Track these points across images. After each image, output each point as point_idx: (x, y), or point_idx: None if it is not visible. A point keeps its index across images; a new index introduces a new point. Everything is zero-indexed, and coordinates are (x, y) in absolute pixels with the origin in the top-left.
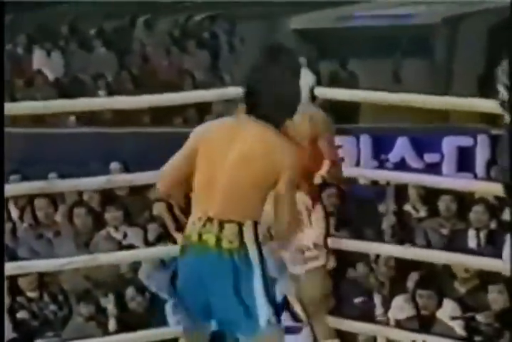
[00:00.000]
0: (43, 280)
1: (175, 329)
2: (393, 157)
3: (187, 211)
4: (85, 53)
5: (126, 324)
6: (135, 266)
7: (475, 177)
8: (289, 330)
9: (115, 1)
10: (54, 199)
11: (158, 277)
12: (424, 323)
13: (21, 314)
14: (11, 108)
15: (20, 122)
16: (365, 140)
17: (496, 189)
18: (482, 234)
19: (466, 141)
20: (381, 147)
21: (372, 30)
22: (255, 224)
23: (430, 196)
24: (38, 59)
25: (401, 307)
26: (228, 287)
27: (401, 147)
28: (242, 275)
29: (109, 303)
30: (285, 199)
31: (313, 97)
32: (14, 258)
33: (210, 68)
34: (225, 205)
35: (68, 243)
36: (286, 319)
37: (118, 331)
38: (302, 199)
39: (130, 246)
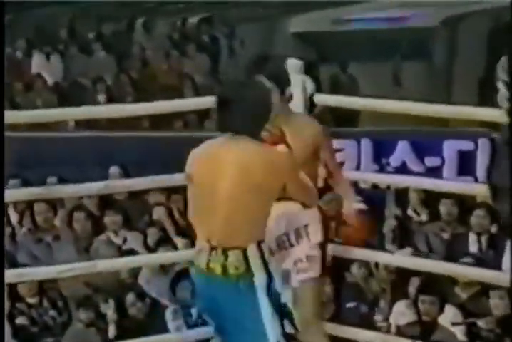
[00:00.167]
0: (42, 286)
1: (175, 335)
2: (394, 160)
3: (186, 215)
4: (84, 56)
5: (126, 330)
6: (135, 271)
7: (476, 180)
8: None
9: (110, 2)
10: (53, 204)
11: (158, 283)
12: (426, 328)
13: (21, 320)
14: (10, 116)
15: (19, 127)
16: (366, 144)
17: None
18: (483, 239)
19: (466, 145)
20: (381, 150)
21: (372, 34)
22: (259, 244)
23: (431, 200)
24: (38, 63)
25: (402, 312)
26: (237, 312)
27: (402, 151)
28: (249, 300)
29: (109, 309)
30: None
31: (313, 104)
32: (13, 262)
33: (210, 71)
34: (227, 232)
35: (67, 247)
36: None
37: (117, 337)
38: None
39: (130, 251)
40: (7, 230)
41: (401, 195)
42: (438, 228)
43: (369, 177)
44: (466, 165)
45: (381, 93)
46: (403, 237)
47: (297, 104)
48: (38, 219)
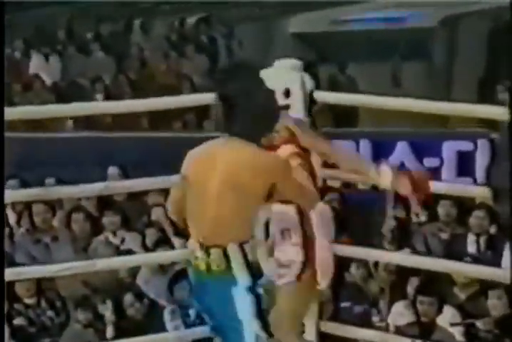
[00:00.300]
0: (40, 286)
1: (173, 334)
2: (393, 161)
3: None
4: (82, 57)
5: (124, 331)
6: (133, 271)
7: (475, 181)
8: None
9: (108, 3)
10: (52, 205)
11: (156, 283)
12: (424, 329)
13: (18, 321)
14: (9, 113)
15: (17, 127)
16: (365, 145)
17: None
18: (482, 240)
19: (466, 145)
20: (380, 151)
21: (370, 34)
22: (241, 246)
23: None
24: (36, 63)
25: (401, 313)
26: (222, 307)
27: (401, 152)
28: (230, 295)
29: (107, 310)
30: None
31: (312, 102)
32: (11, 263)
33: (209, 72)
34: (212, 230)
35: (65, 248)
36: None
37: (115, 338)
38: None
39: (128, 251)
40: (5, 231)
41: (400, 196)
42: (437, 229)
43: None
44: (465, 166)
45: (380, 94)
46: (402, 238)
47: (297, 101)
48: (37, 219)
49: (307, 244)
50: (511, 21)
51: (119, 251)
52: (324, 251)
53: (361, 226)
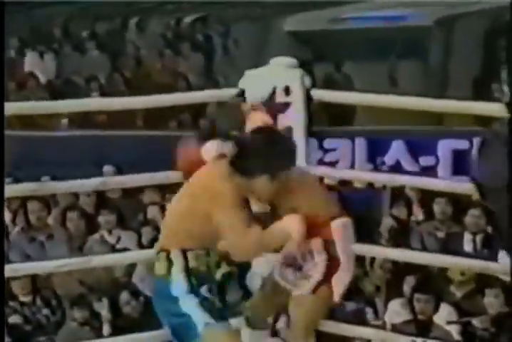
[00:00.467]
0: (36, 284)
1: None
2: (389, 160)
3: None
4: (78, 55)
5: (120, 329)
6: (129, 269)
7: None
8: None
9: (104, 2)
10: (47, 203)
11: (152, 281)
12: (421, 327)
13: (14, 319)
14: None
15: (12, 125)
16: (360, 143)
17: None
18: (478, 238)
19: (461, 144)
20: (376, 150)
21: (367, 33)
22: (184, 253)
23: (425, 199)
24: (31, 61)
25: (397, 311)
26: (164, 311)
27: (397, 150)
28: (170, 297)
29: (103, 308)
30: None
31: (309, 99)
32: (6, 261)
33: (205, 70)
34: (164, 235)
35: (60, 246)
36: None
37: (112, 336)
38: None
39: (124, 250)
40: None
41: (397, 194)
42: (433, 227)
43: (363, 175)
44: (460, 164)
45: (376, 92)
46: (399, 237)
47: (297, 99)
48: (32, 217)
49: (331, 263)
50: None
51: (114, 250)
52: (345, 271)
53: (358, 225)
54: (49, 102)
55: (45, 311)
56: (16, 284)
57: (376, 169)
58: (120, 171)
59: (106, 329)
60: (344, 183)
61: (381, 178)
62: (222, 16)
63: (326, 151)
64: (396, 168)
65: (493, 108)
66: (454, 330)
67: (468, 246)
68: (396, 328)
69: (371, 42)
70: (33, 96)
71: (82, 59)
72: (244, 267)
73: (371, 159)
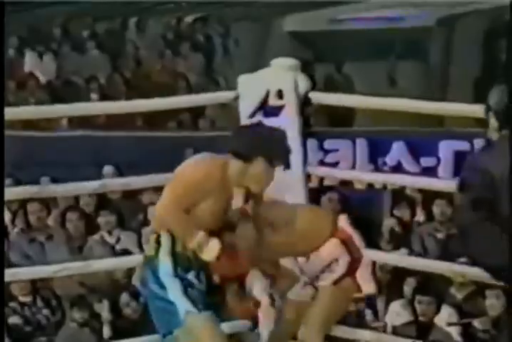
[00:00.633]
0: (35, 285)
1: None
2: (390, 160)
3: None
4: (77, 55)
5: (120, 330)
6: (129, 271)
7: None
8: None
9: (104, 2)
10: (47, 203)
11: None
12: (422, 329)
13: (14, 319)
14: (7, 113)
15: (11, 126)
16: (361, 144)
17: None
18: None
19: (462, 145)
20: (377, 150)
21: (367, 33)
22: (172, 236)
23: (426, 200)
24: (30, 62)
25: (398, 313)
26: (149, 294)
27: (398, 151)
28: (157, 280)
29: (103, 310)
30: None
31: (307, 102)
32: (6, 262)
33: (204, 71)
34: (155, 217)
35: (60, 247)
36: None
37: (112, 338)
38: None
39: (124, 251)
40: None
41: (399, 195)
42: (433, 228)
43: (363, 176)
44: (461, 166)
45: (376, 93)
46: (400, 238)
47: (290, 102)
48: (32, 218)
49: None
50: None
51: (114, 251)
52: (364, 267)
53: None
54: (48, 106)
55: (45, 312)
56: (15, 285)
57: (378, 170)
58: (119, 171)
59: (106, 330)
60: (345, 184)
61: (381, 179)
62: (222, 16)
63: (327, 152)
64: (397, 169)
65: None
66: (455, 332)
67: None
68: (396, 330)
69: (371, 43)
70: (32, 96)
71: (82, 59)
72: None
73: (372, 160)
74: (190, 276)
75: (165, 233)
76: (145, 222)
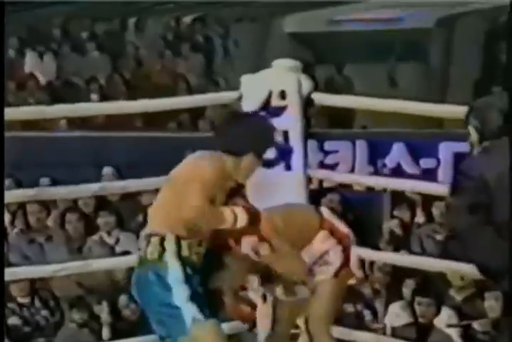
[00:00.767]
0: (34, 286)
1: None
2: (389, 162)
3: None
4: (77, 56)
5: (119, 332)
6: (129, 273)
7: None
8: None
9: (104, 2)
10: (46, 204)
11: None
12: (421, 330)
13: (13, 320)
14: (7, 113)
15: (11, 126)
16: (361, 145)
17: None
18: None
19: (462, 147)
20: (377, 152)
21: (367, 35)
22: (178, 239)
23: (426, 201)
24: (30, 62)
25: (397, 314)
26: (152, 298)
27: (397, 153)
28: (164, 283)
29: (103, 311)
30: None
31: (310, 103)
32: (5, 263)
33: (204, 71)
34: (152, 217)
35: (59, 248)
36: None
37: (111, 339)
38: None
39: (123, 252)
40: None
41: (399, 197)
42: (432, 230)
43: (362, 179)
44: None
45: (376, 95)
46: (400, 239)
47: (293, 103)
48: (31, 219)
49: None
50: (511, 21)
51: (113, 252)
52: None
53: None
54: (48, 107)
55: (44, 313)
56: (14, 286)
57: (377, 171)
58: (119, 172)
59: (105, 332)
60: (345, 185)
61: (380, 183)
62: (222, 16)
63: (326, 153)
64: (397, 170)
65: None
66: (455, 334)
67: None
68: (396, 332)
69: (371, 44)
70: (32, 97)
71: (82, 60)
72: None
73: (372, 161)
74: (195, 281)
75: (170, 235)
76: (145, 223)
